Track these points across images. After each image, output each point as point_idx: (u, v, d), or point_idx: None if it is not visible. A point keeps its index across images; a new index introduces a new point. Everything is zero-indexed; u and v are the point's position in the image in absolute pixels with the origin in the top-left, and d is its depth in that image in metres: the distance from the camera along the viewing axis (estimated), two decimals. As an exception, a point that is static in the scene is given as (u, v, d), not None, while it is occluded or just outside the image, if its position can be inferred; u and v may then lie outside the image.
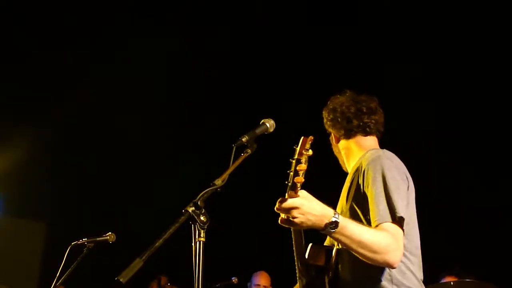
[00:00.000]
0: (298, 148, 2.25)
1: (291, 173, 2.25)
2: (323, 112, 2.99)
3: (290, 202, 2.29)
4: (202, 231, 2.14)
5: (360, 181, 2.62)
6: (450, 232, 6.37)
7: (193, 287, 2.12)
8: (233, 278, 6.39)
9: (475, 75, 6.64)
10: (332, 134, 2.99)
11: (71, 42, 7.25)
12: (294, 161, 2.24)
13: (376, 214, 2.46)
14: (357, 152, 2.88)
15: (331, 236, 2.40)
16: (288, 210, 2.30)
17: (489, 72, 6.61)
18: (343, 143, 2.94)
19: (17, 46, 7.23)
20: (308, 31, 7.17)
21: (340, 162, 3.02)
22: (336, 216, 2.33)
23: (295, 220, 2.31)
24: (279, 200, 2.31)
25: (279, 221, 2.38)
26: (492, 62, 6.55)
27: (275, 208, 2.34)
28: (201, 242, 2.14)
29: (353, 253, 2.42)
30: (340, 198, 2.84)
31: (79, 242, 4.09)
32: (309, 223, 2.32)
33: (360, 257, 2.42)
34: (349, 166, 2.90)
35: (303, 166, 2.20)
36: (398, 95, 6.51)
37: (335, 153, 3.03)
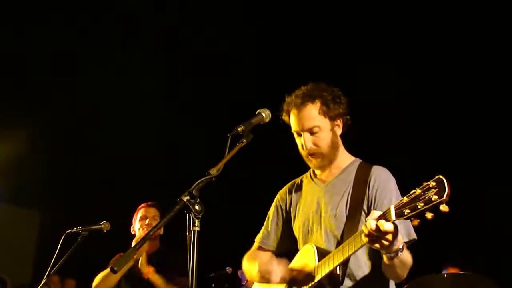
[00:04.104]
0: (448, 191, 2.07)
1: (422, 206, 2.11)
2: (334, 89, 2.93)
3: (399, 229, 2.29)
4: (196, 220, 2.13)
5: (372, 194, 2.73)
6: (455, 221, 6.31)
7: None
8: (227, 267, 6.41)
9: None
10: (333, 112, 2.87)
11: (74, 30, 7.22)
12: (436, 199, 2.07)
13: None
14: (343, 151, 2.95)
15: (390, 259, 2.41)
16: (389, 234, 2.26)
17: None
18: (337, 132, 2.92)
19: (18, 32, 7.19)
20: (306, 23, 7.14)
21: (314, 144, 2.86)
22: (403, 242, 2.39)
23: (385, 243, 2.28)
24: (386, 223, 2.22)
25: (368, 241, 2.31)
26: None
27: (374, 229, 2.24)
28: (196, 231, 2.13)
29: (390, 270, 2.55)
30: (328, 196, 2.86)
31: (73, 231, 4.07)
32: (390, 247, 2.32)
33: (389, 273, 2.59)
34: (329, 157, 2.88)
35: (446, 208, 2.07)
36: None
37: (311, 126, 2.85)
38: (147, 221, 4.67)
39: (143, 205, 4.80)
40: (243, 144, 2.42)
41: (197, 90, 7.74)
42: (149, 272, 4.43)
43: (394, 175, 2.85)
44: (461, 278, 4.75)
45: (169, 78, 7.60)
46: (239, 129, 2.43)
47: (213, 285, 6.44)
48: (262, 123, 2.57)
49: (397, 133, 6.64)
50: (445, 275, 4.75)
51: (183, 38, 7.33)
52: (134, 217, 4.81)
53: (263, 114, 2.58)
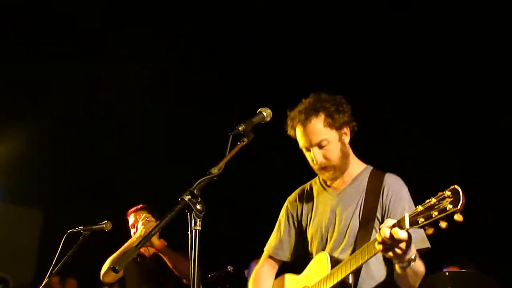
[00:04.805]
0: (463, 200, 2.07)
1: (436, 214, 2.12)
2: (336, 97, 2.89)
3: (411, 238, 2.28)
4: (198, 219, 2.13)
5: (386, 203, 2.73)
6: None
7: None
8: (228, 266, 6.41)
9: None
10: (338, 122, 2.84)
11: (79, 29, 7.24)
12: (451, 208, 2.07)
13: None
14: (354, 159, 2.94)
15: (403, 268, 2.40)
16: (402, 242, 2.25)
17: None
18: (345, 141, 2.90)
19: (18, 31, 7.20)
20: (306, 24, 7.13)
21: (324, 157, 2.84)
22: (415, 252, 2.39)
23: (398, 252, 2.28)
24: (400, 231, 2.22)
25: (382, 249, 2.30)
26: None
27: (388, 237, 2.23)
28: (197, 230, 2.13)
29: (402, 280, 2.55)
30: (341, 205, 2.85)
31: (75, 230, 4.07)
32: (403, 256, 2.32)
33: (401, 282, 2.58)
34: (341, 168, 2.86)
35: (461, 218, 2.07)
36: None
37: (318, 138, 2.81)
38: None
39: (131, 210, 4.67)
40: (244, 143, 2.42)
41: (197, 90, 7.74)
42: (161, 245, 4.26)
43: (403, 180, 2.84)
44: (463, 276, 4.74)
45: (170, 78, 7.59)
46: (240, 128, 2.43)
47: (213, 282, 6.45)
48: (263, 122, 2.57)
49: (407, 138, 6.64)
50: (447, 273, 4.74)
51: (184, 38, 7.33)
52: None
53: (264, 113, 2.57)
